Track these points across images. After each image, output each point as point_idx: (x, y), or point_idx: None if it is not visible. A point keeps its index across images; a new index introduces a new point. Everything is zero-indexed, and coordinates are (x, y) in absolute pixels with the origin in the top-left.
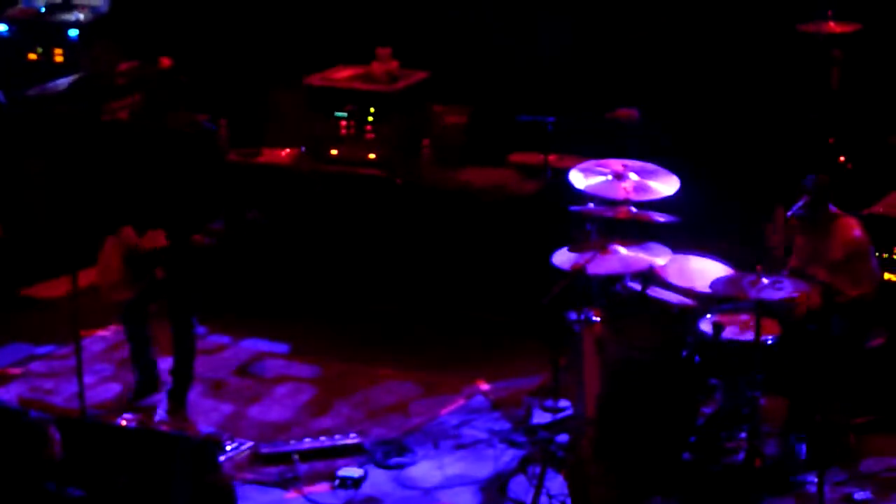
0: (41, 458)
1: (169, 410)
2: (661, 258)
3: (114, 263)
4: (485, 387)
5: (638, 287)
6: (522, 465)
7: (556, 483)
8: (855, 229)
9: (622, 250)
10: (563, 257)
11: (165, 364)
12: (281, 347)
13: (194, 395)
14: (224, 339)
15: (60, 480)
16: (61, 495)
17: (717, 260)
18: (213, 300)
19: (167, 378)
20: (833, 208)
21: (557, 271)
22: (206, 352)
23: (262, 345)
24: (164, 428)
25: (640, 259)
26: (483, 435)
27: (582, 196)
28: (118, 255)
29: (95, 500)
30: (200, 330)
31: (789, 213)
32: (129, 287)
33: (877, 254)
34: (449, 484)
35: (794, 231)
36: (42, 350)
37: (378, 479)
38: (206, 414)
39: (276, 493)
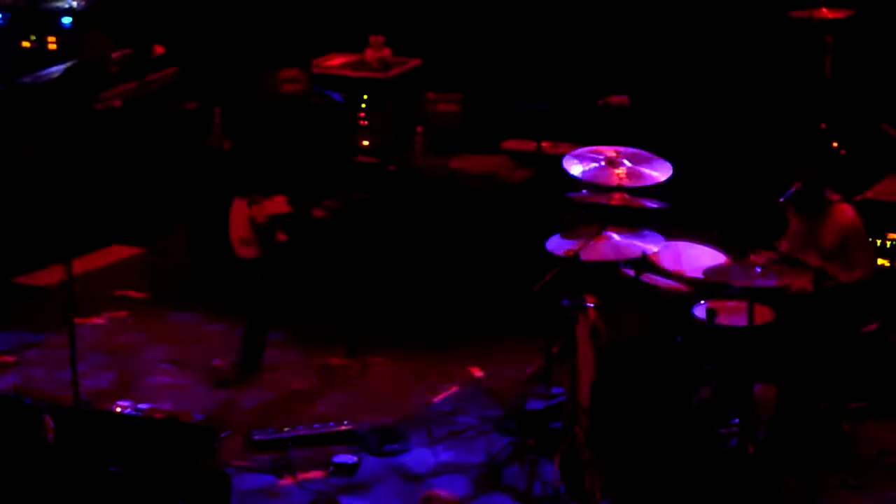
0: (35, 445)
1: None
2: (654, 245)
3: (240, 221)
4: (478, 374)
5: (631, 273)
6: (516, 452)
7: (550, 470)
8: (849, 215)
9: (616, 237)
10: (556, 244)
11: None
12: (274, 335)
13: (189, 381)
14: (219, 327)
15: (54, 468)
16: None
17: (709, 246)
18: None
19: None
20: (832, 194)
21: (551, 258)
22: (204, 339)
23: None
24: (157, 416)
25: (634, 246)
26: (476, 422)
27: (575, 183)
28: (244, 214)
29: (86, 488)
30: (194, 318)
31: (781, 199)
32: (253, 245)
33: (870, 240)
34: (442, 470)
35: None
36: (36, 338)
37: (372, 466)
38: (200, 401)
39: (270, 481)
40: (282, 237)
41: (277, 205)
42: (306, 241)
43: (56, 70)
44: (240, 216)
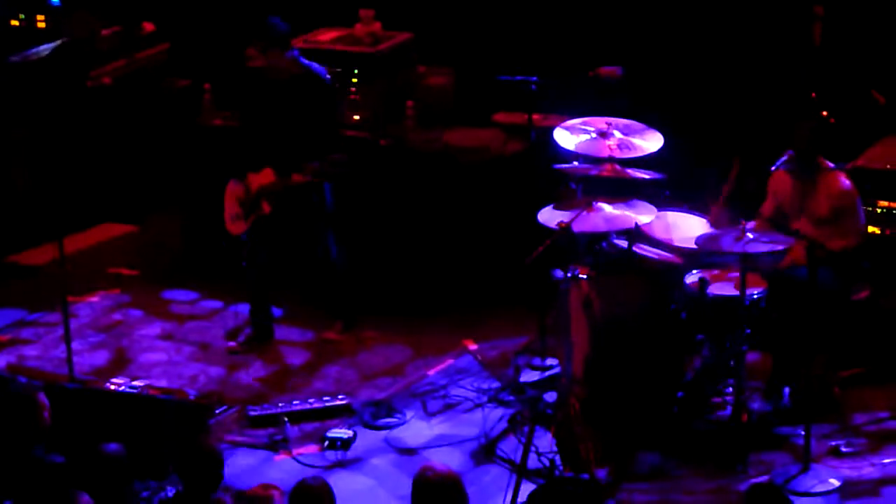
0: (30, 425)
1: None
2: (646, 215)
3: (231, 198)
4: (472, 347)
5: (624, 244)
6: (511, 424)
7: (545, 441)
8: (844, 182)
9: (607, 208)
10: (548, 215)
11: None
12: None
13: (183, 358)
14: (216, 304)
15: (49, 446)
16: (46, 461)
17: (701, 216)
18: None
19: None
20: (826, 162)
21: (543, 230)
22: (197, 316)
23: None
24: (152, 393)
25: (626, 217)
26: (471, 394)
27: (566, 155)
28: (234, 191)
29: (81, 466)
30: (193, 295)
31: (773, 167)
32: (241, 220)
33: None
34: (438, 443)
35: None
36: (29, 317)
37: (367, 440)
38: (195, 377)
39: (266, 455)
40: (266, 208)
41: (264, 177)
42: (292, 211)
43: (45, 48)
44: (231, 194)
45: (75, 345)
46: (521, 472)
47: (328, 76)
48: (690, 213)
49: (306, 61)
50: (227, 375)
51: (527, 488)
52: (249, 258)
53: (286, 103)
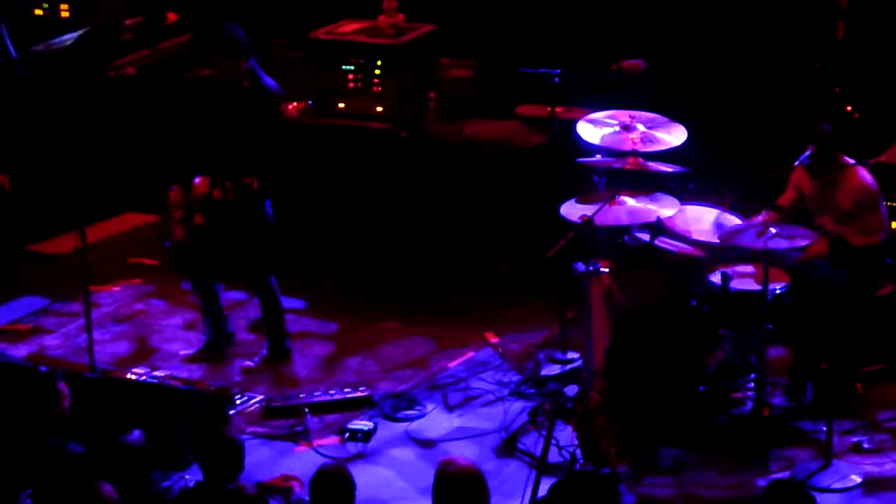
0: (50, 414)
1: (267, 359)
2: (669, 209)
3: (170, 205)
4: (493, 339)
5: (646, 237)
6: (532, 417)
7: (566, 434)
8: (865, 178)
9: (630, 201)
10: (570, 209)
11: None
12: (291, 302)
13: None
14: (239, 295)
15: (69, 435)
16: (67, 451)
17: (724, 210)
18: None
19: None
20: (847, 159)
21: (565, 223)
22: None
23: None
24: (173, 383)
25: (648, 210)
26: (492, 387)
27: (589, 148)
28: (174, 199)
29: (101, 456)
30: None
31: (796, 163)
32: (176, 228)
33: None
34: (458, 436)
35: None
36: (50, 305)
37: (388, 432)
38: (217, 368)
39: (287, 447)
40: (198, 219)
41: (200, 187)
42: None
43: (69, 38)
44: (171, 199)
45: (96, 334)
46: (541, 465)
47: (280, 91)
48: (713, 206)
49: (261, 73)
50: (248, 366)
51: (547, 482)
52: (190, 266)
53: (230, 114)
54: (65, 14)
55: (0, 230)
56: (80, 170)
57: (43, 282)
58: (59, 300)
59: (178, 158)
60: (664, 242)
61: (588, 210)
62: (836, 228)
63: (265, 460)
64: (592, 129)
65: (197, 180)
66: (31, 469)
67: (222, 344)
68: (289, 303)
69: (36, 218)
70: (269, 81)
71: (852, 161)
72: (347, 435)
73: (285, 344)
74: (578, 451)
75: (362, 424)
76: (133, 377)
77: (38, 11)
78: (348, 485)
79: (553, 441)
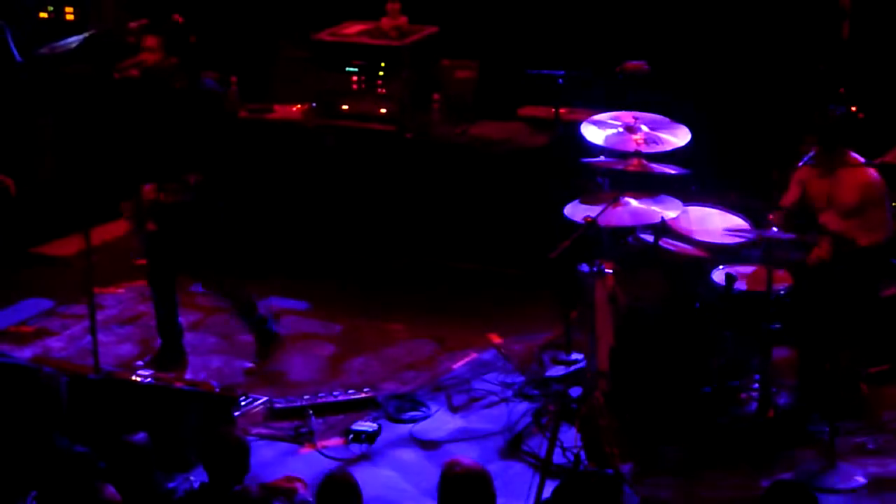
0: (52, 415)
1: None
2: (672, 210)
3: (125, 213)
4: (497, 340)
5: (650, 239)
6: (536, 418)
7: (570, 435)
8: (873, 174)
9: (634, 202)
10: (574, 210)
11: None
12: (295, 304)
13: (208, 350)
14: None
15: (74, 437)
16: (70, 452)
17: (728, 211)
18: (233, 259)
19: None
20: (854, 156)
21: (569, 224)
22: (223, 309)
23: (280, 302)
24: (178, 384)
25: (652, 211)
26: (496, 388)
27: (592, 149)
28: (127, 207)
29: (106, 457)
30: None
31: (800, 164)
32: (134, 238)
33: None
34: (462, 437)
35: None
36: (55, 307)
37: (392, 433)
38: (220, 369)
39: (291, 448)
40: (151, 227)
41: (146, 193)
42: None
43: (73, 40)
44: (124, 207)
45: (101, 336)
46: (546, 466)
47: (217, 87)
48: (716, 208)
49: (206, 78)
50: (252, 367)
51: (552, 483)
52: (149, 274)
53: (161, 115)
54: (69, 17)
55: (5, 232)
56: (85, 171)
57: (47, 284)
58: (63, 302)
59: (125, 165)
60: (668, 243)
61: (592, 211)
62: (840, 226)
63: (269, 461)
64: (596, 131)
65: (146, 187)
66: (36, 470)
67: (173, 356)
68: (292, 304)
69: (41, 220)
70: (211, 82)
71: (862, 160)
72: (351, 436)
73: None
74: (583, 452)
75: (366, 426)
76: (138, 379)
77: (43, 14)
78: (355, 493)
79: (557, 442)
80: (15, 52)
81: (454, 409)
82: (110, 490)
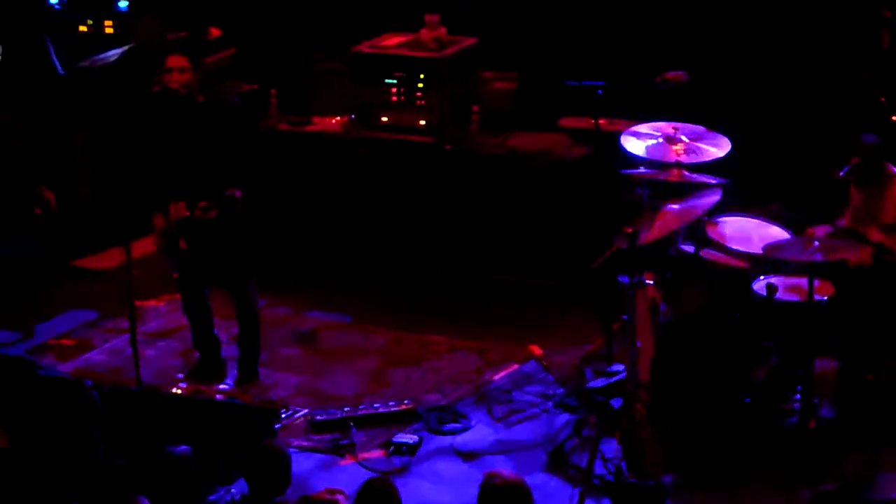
0: (92, 426)
1: (238, 381)
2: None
3: (155, 234)
4: (538, 352)
5: (691, 249)
6: (577, 430)
7: (611, 447)
8: None
9: (675, 207)
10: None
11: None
12: (336, 317)
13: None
14: (285, 311)
15: (114, 449)
16: (110, 465)
17: (769, 222)
18: (271, 271)
19: (230, 351)
20: (893, 168)
21: (610, 235)
22: (264, 322)
23: (322, 315)
24: (219, 397)
25: (694, 209)
26: (537, 400)
27: (632, 160)
28: (158, 227)
29: (148, 470)
30: (261, 302)
31: (841, 174)
32: (168, 254)
33: None
34: (502, 449)
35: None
36: (96, 320)
37: (433, 445)
38: (263, 383)
39: (332, 460)
40: (183, 245)
41: (177, 211)
42: (216, 235)
43: (113, 54)
44: (156, 227)
45: (142, 349)
46: (587, 478)
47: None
48: (757, 218)
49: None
50: (295, 381)
51: (593, 495)
52: (183, 290)
53: (188, 131)
54: (109, 30)
55: (46, 246)
56: (125, 185)
57: (89, 297)
58: (104, 315)
59: (154, 183)
60: (709, 254)
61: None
62: (882, 239)
63: (310, 473)
64: (636, 142)
65: (174, 205)
66: (76, 483)
67: (213, 368)
68: (334, 318)
69: (81, 234)
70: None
71: None
72: (392, 448)
73: (256, 364)
74: (623, 464)
75: (407, 437)
76: (179, 391)
77: (83, 28)
78: (394, 499)
79: (598, 454)
80: (57, 64)
81: (495, 421)
82: (145, 503)
